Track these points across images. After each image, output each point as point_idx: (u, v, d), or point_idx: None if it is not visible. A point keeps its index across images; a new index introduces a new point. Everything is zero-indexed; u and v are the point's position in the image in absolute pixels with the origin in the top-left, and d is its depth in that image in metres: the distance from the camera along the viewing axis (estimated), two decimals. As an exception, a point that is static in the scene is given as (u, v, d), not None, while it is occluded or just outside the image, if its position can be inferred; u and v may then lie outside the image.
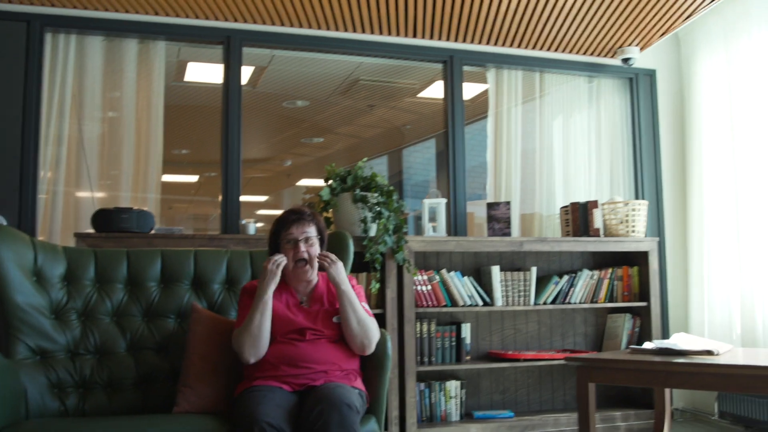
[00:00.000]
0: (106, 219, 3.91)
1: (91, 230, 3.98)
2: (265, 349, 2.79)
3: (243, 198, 4.61)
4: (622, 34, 4.99)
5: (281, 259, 2.87)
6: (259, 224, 4.58)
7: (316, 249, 2.97)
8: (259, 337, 2.77)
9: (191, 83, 5.59)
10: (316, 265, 2.95)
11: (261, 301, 2.81)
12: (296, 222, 2.96)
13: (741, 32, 4.79)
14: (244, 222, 4.29)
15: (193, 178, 8.47)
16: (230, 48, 4.66)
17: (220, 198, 4.60)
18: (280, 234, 2.99)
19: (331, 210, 4.21)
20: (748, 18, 4.71)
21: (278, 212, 3.14)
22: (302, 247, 2.92)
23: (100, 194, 4.49)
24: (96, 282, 3.15)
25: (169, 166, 4.62)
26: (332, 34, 4.85)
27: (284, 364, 2.77)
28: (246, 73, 4.94)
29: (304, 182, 9.20)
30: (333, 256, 2.95)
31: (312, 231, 2.99)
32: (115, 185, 4.54)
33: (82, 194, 4.46)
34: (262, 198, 9.44)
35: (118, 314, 3.15)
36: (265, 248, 3.64)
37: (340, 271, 2.91)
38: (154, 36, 4.59)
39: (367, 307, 2.99)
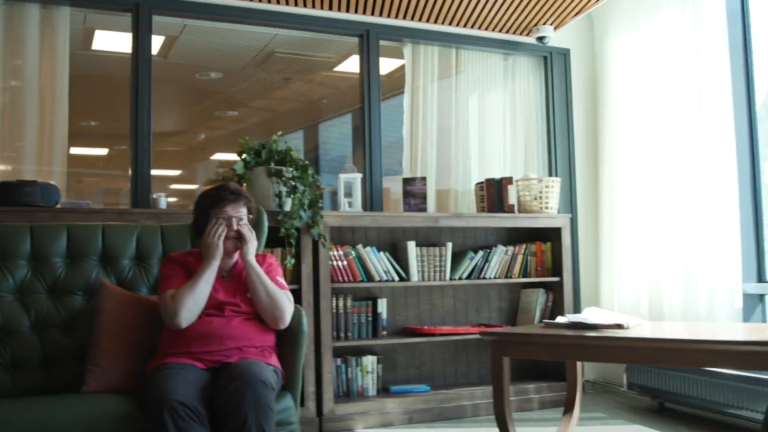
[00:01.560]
0: (8, 192, 3.72)
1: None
2: (196, 316, 2.76)
3: (154, 172, 4.47)
4: (537, 13, 5.04)
5: (222, 231, 2.87)
6: (172, 199, 4.47)
7: (247, 228, 2.95)
8: (198, 302, 2.76)
9: (99, 52, 5.39)
10: (252, 241, 2.93)
11: (209, 269, 2.81)
12: (232, 202, 2.93)
13: (651, 13, 4.89)
14: (154, 196, 4.17)
15: (103, 151, 8.22)
16: (139, 16, 4.46)
17: (129, 171, 4.45)
18: (210, 210, 2.93)
19: (245, 184, 4.13)
20: (659, 1, 4.81)
21: (191, 187, 3.07)
22: (235, 225, 2.90)
23: (2, 167, 4.29)
24: (-3, 258, 3.02)
25: (77, 139, 4.45)
26: (247, 4, 4.72)
27: (197, 340, 2.72)
28: (156, 42, 4.79)
29: (218, 156, 9.05)
30: (253, 232, 2.94)
31: (244, 211, 2.97)
32: (18, 158, 4.33)
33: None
34: (175, 172, 9.25)
35: (21, 291, 3.04)
36: (177, 222, 3.58)
37: (253, 247, 2.92)
38: (58, 1, 4.37)
39: (282, 281, 2.98)
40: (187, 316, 2.73)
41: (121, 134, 7.61)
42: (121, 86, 5.23)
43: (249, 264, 2.88)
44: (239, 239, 2.91)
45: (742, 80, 4.45)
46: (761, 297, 4.31)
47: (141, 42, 4.48)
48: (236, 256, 2.98)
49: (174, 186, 9.30)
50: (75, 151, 4.41)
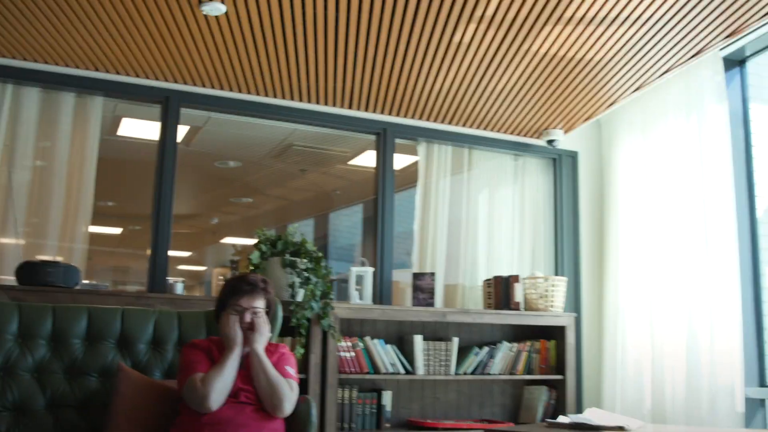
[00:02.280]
0: (30, 272, 3.85)
1: (13, 280, 3.91)
2: (224, 400, 2.82)
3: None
4: (548, 118, 5.23)
5: (234, 322, 2.94)
6: (180, 280, 4.58)
7: (262, 319, 3.01)
8: (228, 386, 2.82)
9: (124, 138, 5.59)
10: (263, 333, 3.00)
11: (232, 355, 2.88)
12: (247, 294, 3.01)
13: (657, 120, 5.06)
14: (171, 281, 4.29)
15: (117, 230, 8.38)
16: (168, 107, 4.70)
17: (148, 252, 4.57)
18: (228, 300, 3.02)
19: (259, 273, 4.23)
20: (665, 108, 4.99)
21: (200, 268, 3.17)
22: (247, 317, 2.97)
23: (23, 242, 4.42)
24: (18, 337, 3.10)
25: (95, 217, 4.59)
26: (269, 100, 4.95)
27: (211, 427, 2.77)
28: (181, 131, 4.98)
29: (229, 240, 9.19)
30: (267, 325, 3.01)
31: (261, 304, 3.04)
32: (40, 233, 4.47)
33: (7, 241, 4.39)
34: (186, 253, 9.38)
35: (39, 371, 3.10)
36: (192, 308, 3.67)
37: (264, 340, 2.98)
38: (92, 92, 4.60)
39: (291, 371, 3.02)
40: (218, 398, 2.78)
41: (136, 215, 7.79)
42: (140, 169, 5.41)
43: (254, 352, 2.93)
44: (251, 330, 2.97)
45: (744, 186, 4.57)
46: (762, 402, 4.34)
47: (168, 131, 4.69)
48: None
49: (182, 266, 9.43)
50: (92, 229, 4.55)
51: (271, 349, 3.08)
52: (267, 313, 3.08)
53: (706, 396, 4.42)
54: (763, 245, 4.66)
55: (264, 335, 2.98)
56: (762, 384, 4.39)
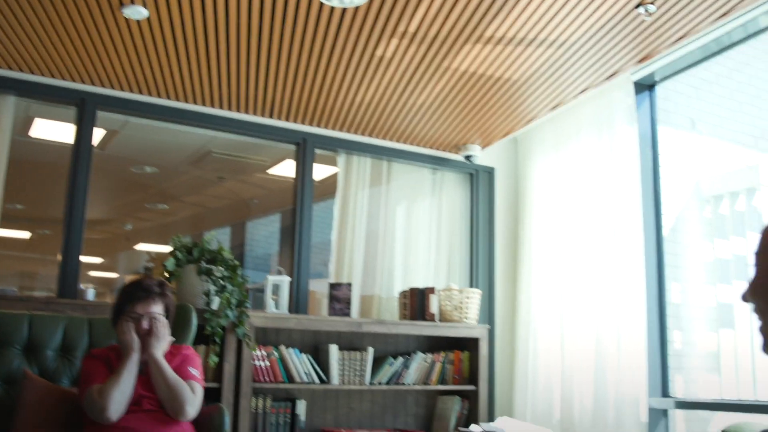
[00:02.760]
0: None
1: None
2: (125, 410, 2.76)
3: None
4: (467, 133, 5.33)
5: (129, 328, 2.89)
6: (91, 286, 4.49)
7: (161, 323, 2.96)
8: (126, 395, 2.76)
9: (36, 139, 5.44)
10: (161, 338, 2.96)
11: (129, 362, 2.82)
12: (142, 300, 2.96)
13: (571, 138, 5.21)
14: (82, 287, 4.20)
15: (25, 234, 8.13)
16: (84, 110, 4.59)
17: (58, 257, 4.46)
18: (124, 306, 2.97)
19: (174, 281, 4.19)
20: (578, 127, 5.15)
21: (112, 275, 3.11)
22: (145, 324, 2.93)
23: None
24: None
25: (2, 220, 4.45)
26: (188, 106, 4.90)
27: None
28: (97, 134, 4.88)
29: (143, 246, 9.03)
30: (167, 329, 2.97)
31: (158, 309, 2.99)
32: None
33: None
34: (97, 259, 9.16)
35: (-62, 378, 3.01)
36: (103, 315, 3.60)
37: (163, 345, 2.95)
38: (4, 91, 4.46)
39: (195, 372, 3.00)
40: (117, 409, 2.73)
41: (46, 218, 7.58)
42: (52, 172, 5.26)
43: (151, 357, 2.89)
44: (149, 336, 2.93)
45: (651, 205, 4.75)
46: (665, 412, 4.51)
47: (83, 134, 4.58)
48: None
49: (94, 273, 9.19)
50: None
51: (173, 351, 3.04)
52: (166, 317, 3.03)
53: (612, 406, 4.56)
54: (668, 262, 4.86)
55: (162, 340, 2.94)
56: (665, 395, 4.56)
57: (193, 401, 2.88)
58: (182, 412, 2.85)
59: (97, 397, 2.74)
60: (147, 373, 2.92)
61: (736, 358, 5.44)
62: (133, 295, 2.97)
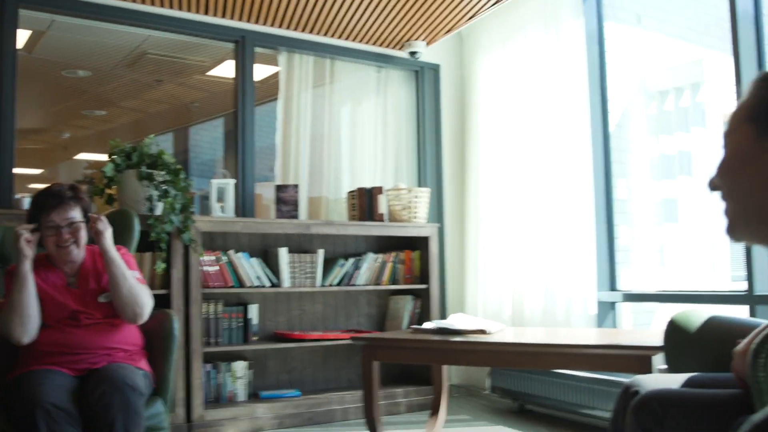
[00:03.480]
0: None
1: None
2: (35, 327, 2.63)
3: (15, 170, 4.31)
4: (410, 29, 5.19)
5: (26, 234, 2.67)
6: (27, 195, 4.33)
7: (82, 232, 2.82)
8: (25, 315, 2.60)
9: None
10: (83, 245, 2.83)
11: (17, 278, 2.64)
12: (56, 207, 2.76)
13: (516, 33, 5.13)
14: (18, 197, 4.03)
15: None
16: (4, 9, 4.29)
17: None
18: (39, 218, 2.77)
19: (114, 187, 4.05)
20: (523, 22, 5.06)
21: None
22: (65, 234, 2.76)
23: None
24: None
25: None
26: (119, 3, 4.62)
27: (60, 352, 2.64)
28: (22, 36, 4.60)
29: (83, 156, 8.77)
30: (105, 221, 2.82)
31: (76, 214, 2.81)
32: None
33: None
34: (37, 171, 8.89)
35: None
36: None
37: (110, 236, 2.81)
38: None
39: (139, 275, 2.91)
40: (22, 331, 2.61)
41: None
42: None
43: (109, 256, 2.76)
44: (76, 243, 2.78)
45: (598, 99, 4.71)
46: (613, 305, 4.59)
47: (5, 36, 4.29)
48: (79, 259, 2.85)
49: (34, 185, 8.93)
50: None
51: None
52: (86, 221, 2.85)
53: (562, 301, 4.64)
54: (614, 158, 4.87)
55: (109, 232, 2.80)
56: (613, 288, 4.63)
57: (150, 305, 2.81)
58: (142, 316, 2.78)
59: (1, 322, 2.64)
60: (80, 286, 2.82)
61: (680, 251, 5.57)
62: (45, 204, 2.77)
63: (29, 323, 2.61)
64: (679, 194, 5.60)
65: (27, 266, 2.65)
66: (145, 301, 2.79)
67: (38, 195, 2.83)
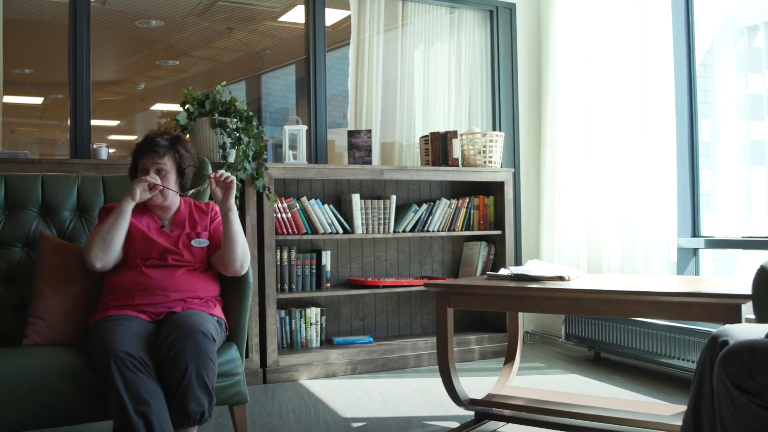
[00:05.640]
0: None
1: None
2: (113, 258, 2.75)
3: (93, 122, 4.37)
4: (484, -34, 5.02)
5: (150, 179, 2.82)
6: (112, 150, 4.38)
7: (169, 180, 2.88)
8: (109, 241, 2.71)
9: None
10: (170, 194, 2.89)
11: (115, 211, 2.76)
12: (149, 153, 2.87)
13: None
14: (95, 146, 4.08)
15: (38, 100, 7.99)
16: (78, -41, 4.33)
17: (68, 122, 4.34)
18: (137, 162, 2.92)
19: (188, 135, 4.06)
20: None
21: (131, 138, 3.00)
22: (150, 178, 2.84)
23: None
24: (-68, 208, 2.94)
25: (11, 87, 4.29)
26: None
27: (140, 293, 2.70)
28: (95, -12, 4.63)
29: (159, 107, 8.87)
30: (232, 177, 2.86)
31: (166, 162, 2.88)
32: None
33: None
34: (114, 122, 9.05)
35: (-43, 243, 2.96)
36: (118, 173, 3.52)
37: (231, 200, 2.87)
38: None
39: None
40: (99, 255, 2.71)
41: (58, 83, 7.41)
42: (56, 33, 5.05)
43: (233, 213, 2.85)
44: (227, 189, 2.84)
45: (683, 39, 4.52)
46: (695, 251, 4.44)
47: (78, -13, 4.33)
48: (175, 204, 2.95)
49: (113, 137, 9.12)
50: (8, 99, 4.24)
51: (203, 208, 2.99)
52: (180, 173, 2.94)
53: (641, 247, 4.51)
54: (699, 99, 4.66)
55: (231, 190, 2.85)
56: (695, 234, 4.48)
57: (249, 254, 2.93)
58: (244, 268, 2.87)
59: (84, 246, 2.76)
60: (173, 228, 2.90)
61: (767, 195, 5.32)
62: (140, 149, 2.91)
63: (109, 250, 2.72)
64: (768, 135, 5.35)
65: (129, 206, 2.77)
66: (248, 253, 2.89)
67: (140, 141, 2.95)
